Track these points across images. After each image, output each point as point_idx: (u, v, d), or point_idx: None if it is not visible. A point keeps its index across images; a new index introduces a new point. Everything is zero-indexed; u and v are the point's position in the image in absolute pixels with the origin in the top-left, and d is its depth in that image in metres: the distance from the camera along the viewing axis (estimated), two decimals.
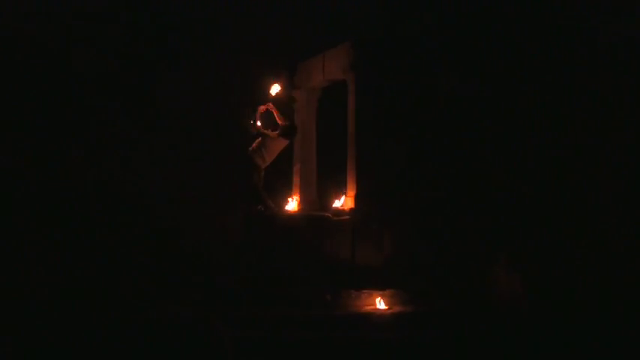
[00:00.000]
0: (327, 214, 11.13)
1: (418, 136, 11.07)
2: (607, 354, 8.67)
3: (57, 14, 13.23)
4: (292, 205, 12.09)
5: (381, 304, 9.85)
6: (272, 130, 11.53)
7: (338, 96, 11.83)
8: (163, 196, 13.12)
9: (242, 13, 13.96)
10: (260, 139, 11.42)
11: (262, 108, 11.54)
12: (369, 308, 9.83)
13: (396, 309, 9.78)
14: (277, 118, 11.57)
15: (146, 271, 11.71)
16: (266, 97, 11.70)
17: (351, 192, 11.00)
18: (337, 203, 11.35)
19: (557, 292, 9.99)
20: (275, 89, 11.70)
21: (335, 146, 11.88)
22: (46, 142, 12.94)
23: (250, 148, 11.42)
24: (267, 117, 11.69)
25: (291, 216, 11.58)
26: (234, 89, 12.96)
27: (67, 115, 13.21)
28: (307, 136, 12.33)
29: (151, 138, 13.63)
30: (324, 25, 13.34)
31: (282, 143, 11.54)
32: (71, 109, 13.21)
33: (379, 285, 10.13)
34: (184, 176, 13.46)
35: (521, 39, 11.18)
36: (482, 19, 11.23)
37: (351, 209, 10.91)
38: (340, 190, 11.46)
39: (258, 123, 11.52)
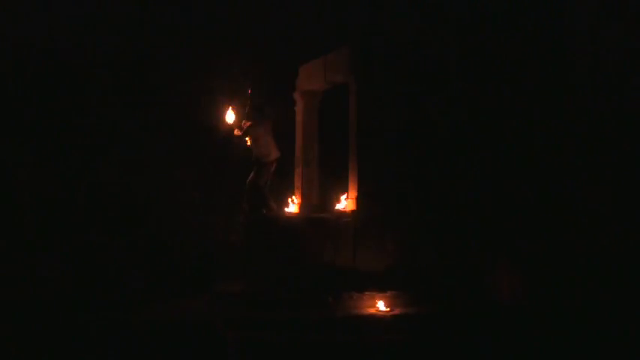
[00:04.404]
0: (328, 216, 11.16)
1: (419, 139, 11.09)
2: (607, 354, 8.69)
3: (61, 18, 13.30)
4: (294, 207, 12.12)
5: (382, 306, 9.87)
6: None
7: (339, 99, 11.87)
8: (165, 197, 13.17)
9: (245, 16, 14.02)
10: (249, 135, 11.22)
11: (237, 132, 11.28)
12: (370, 310, 9.85)
13: (398, 311, 9.80)
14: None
15: (148, 272, 11.75)
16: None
17: (353, 194, 11.03)
18: (339, 205, 11.38)
19: (558, 293, 10.01)
20: (230, 117, 11.29)
21: (336, 149, 11.91)
22: (48, 143, 13.01)
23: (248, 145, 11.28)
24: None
25: (293, 218, 11.60)
26: (237, 92, 13.02)
27: (70, 118, 13.27)
28: (309, 138, 12.36)
29: (152, 139, 13.70)
30: (326, 28, 13.38)
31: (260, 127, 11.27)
32: (72, 112, 13.27)
33: (381, 287, 10.16)
34: (186, 177, 13.52)
35: (520, 40, 11.20)
36: (482, 22, 11.26)
37: (352, 211, 10.93)
38: (342, 192, 11.49)
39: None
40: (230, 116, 11.30)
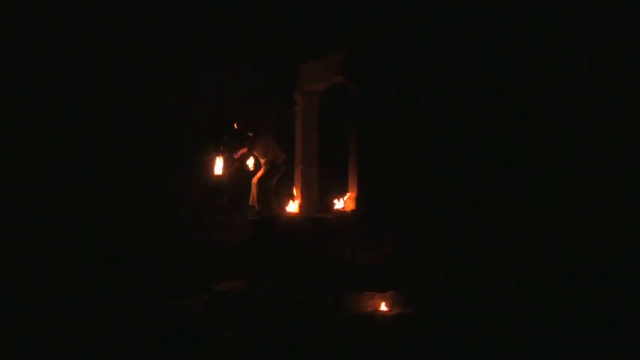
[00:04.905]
0: (328, 216, 11.16)
1: (418, 138, 11.11)
2: (607, 353, 8.69)
3: (65, 22, 13.31)
4: (294, 206, 12.12)
5: (381, 306, 9.87)
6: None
7: (339, 99, 11.87)
8: (165, 197, 13.17)
9: (244, 16, 14.01)
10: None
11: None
12: (370, 310, 9.85)
13: (397, 310, 9.81)
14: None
15: (149, 272, 11.76)
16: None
17: (352, 194, 11.04)
18: (338, 205, 11.38)
19: (557, 292, 10.02)
20: (218, 169, 11.31)
21: (336, 148, 11.91)
22: (49, 144, 13.00)
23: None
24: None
25: (293, 217, 11.60)
26: (236, 91, 13.01)
27: (70, 119, 13.27)
28: (308, 138, 12.35)
29: (153, 140, 13.69)
30: (326, 28, 13.37)
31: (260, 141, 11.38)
32: (73, 113, 13.27)
33: (380, 286, 10.16)
34: (186, 178, 13.51)
35: (518, 39, 11.22)
36: (481, 23, 11.28)
37: (352, 211, 10.94)
38: (341, 192, 11.49)
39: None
40: (218, 167, 11.34)
